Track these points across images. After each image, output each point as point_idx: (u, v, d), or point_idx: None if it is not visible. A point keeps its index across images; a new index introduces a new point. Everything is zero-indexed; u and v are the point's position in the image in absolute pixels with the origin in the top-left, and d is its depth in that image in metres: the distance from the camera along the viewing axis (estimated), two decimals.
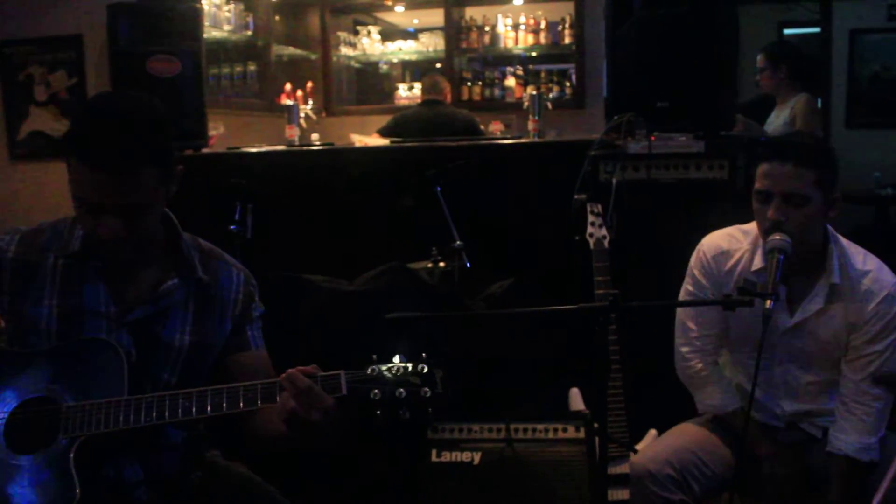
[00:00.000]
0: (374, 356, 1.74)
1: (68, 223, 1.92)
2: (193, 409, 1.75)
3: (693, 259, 2.53)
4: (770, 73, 5.04)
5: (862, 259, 2.37)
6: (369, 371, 1.72)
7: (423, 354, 1.74)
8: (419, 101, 5.88)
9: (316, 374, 1.72)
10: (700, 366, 2.52)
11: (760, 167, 2.29)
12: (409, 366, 1.72)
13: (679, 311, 2.58)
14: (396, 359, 1.73)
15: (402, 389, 1.70)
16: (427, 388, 1.70)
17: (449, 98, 5.79)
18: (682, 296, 2.56)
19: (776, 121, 5.04)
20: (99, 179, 1.72)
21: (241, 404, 1.74)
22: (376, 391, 1.70)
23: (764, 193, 2.28)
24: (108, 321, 1.86)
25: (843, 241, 2.40)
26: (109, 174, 1.72)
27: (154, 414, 1.75)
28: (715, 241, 2.50)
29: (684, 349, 2.55)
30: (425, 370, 1.72)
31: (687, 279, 2.54)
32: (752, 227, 2.45)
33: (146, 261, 1.91)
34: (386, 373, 1.72)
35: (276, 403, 1.72)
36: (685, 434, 2.50)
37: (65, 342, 1.84)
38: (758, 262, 2.39)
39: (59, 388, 1.80)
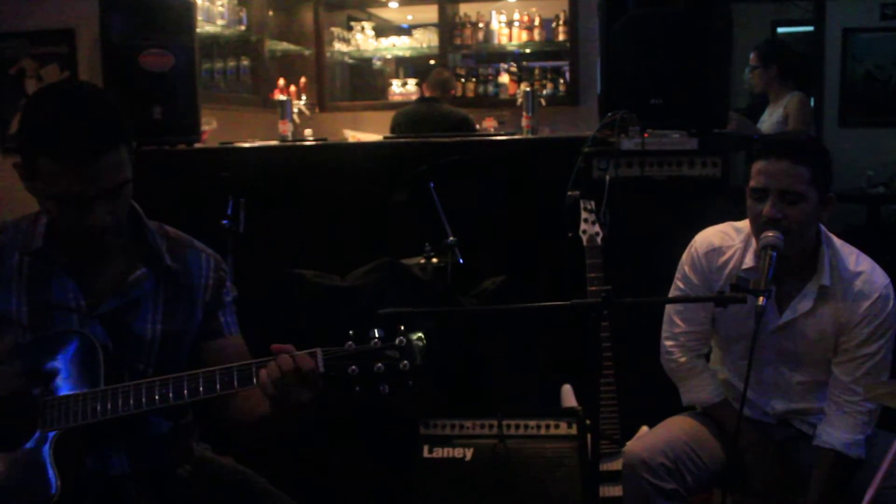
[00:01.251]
0: (351, 332, 1.71)
1: (30, 219, 1.90)
2: (171, 395, 1.74)
3: (685, 255, 2.53)
4: (761, 72, 5.06)
5: (854, 260, 2.36)
6: (346, 346, 1.70)
7: (401, 327, 1.72)
8: (414, 97, 5.86)
9: (292, 353, 1.71)
10: (684, 359, 2.52)
11: (756, 164, 2.28)
12: (387, 339, 1.70)
13: (668, 305, 2.58)
14: (374, 333, 1.70)
15: (380, 364, 1.67)
16: (406, 361, 1.67)
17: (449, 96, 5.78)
18: (672, 291, 2.57)
19: (769, 119, 5.05)
20: (81, 170, 1.69)
21: (218, 387, 1.73)
22: (354, 367, 1.67)
23: (759, 190, 2.27)
24: (80, 315, 1.85)
25: (836, 241, 2.40)
26: (91, 161, 1.69)
27: (131, 402, 1.73)
28: (708, 237, 2.50)
29: (668, 343, 2.56)
30: (404, 343, 1.69)
31: (678, 275, 2.55)
32: (744, 224, 2.44)
33: (113, 252, 1.89)
34: (363, 347, 1.69)
35: (253, 386, 1.71)
36: (679, 425, 2.50)
37: (39, 336, 1.83)
38: (748, 261, 2.39)
39: (35, 383, 1.78)
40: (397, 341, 1.69)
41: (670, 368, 2.57)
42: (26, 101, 1.81)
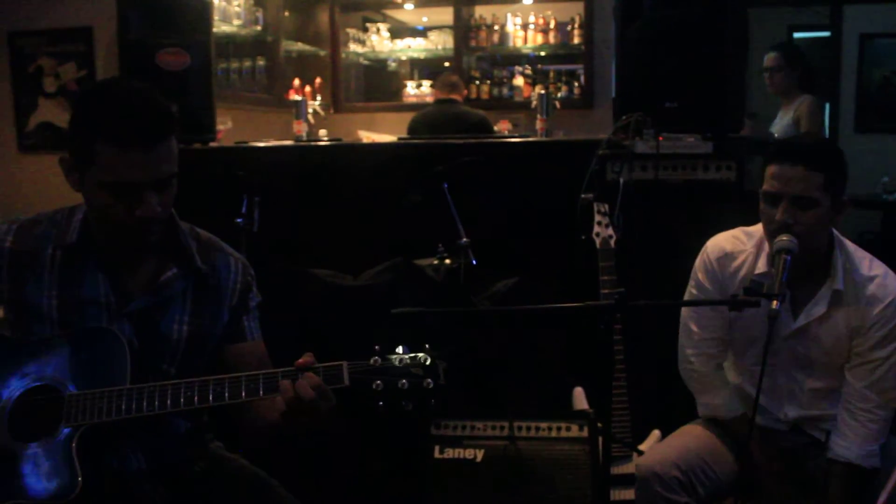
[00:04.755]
0: (377, 347, 1.73)
1: (65, 213, 1.92)
2: (196, 399, 1.75)
3: (697, 261, 2.52)
4: (787, 72, 5.00)
5: (868, 264, 2.35)
6: (372, 362, 1.72)
7: (427, 345, 1.74)
8: (428, 99, 5.88)
9: (316, 365, 1.73)
10: (704, 369, 2.51)
11: (769, 168, 2.27)
12: (412, 356, 1.72)
13: (683, 312, 2.56)
14: (399, 349, 1.73)
15: (404, 380, 1.69)
16: (430, 380, 1.70)
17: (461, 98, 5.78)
18: (686, 295, 2.55)
19: (780, 122, 5.03)
20: (139, 157, 1.72)
21: (244, 394, 1.75)
22: (379, 382, 1.70)
23: (772, 195, 2.26)
24: (109, 312, 1.86)
25: (850, 245, 2.39)
26: (150, 147, 1.73)
27: (156, 403, 1.75)
28: (719, 243, 2.49)
29: (689, 351, 2.54)
30: (428, 361, 1.71)
31: (691, 281, 2.53)
32: (756, 229, 2.44)
33: (145, 251, 1.90)
34: (388, 363, 1.71)
35: (277, 394, 1.72)
36: (691, 437, 2.48)
37: (68, 331, 1.84)
38: (761, 266, 2.38)
39: (62, 377, 1.80)
40: (422, 359, 1.71)
41: (689, 377, 2.55)
42: (77, 97, 1.84)
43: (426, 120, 5.45)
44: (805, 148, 2.28)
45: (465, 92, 5.86)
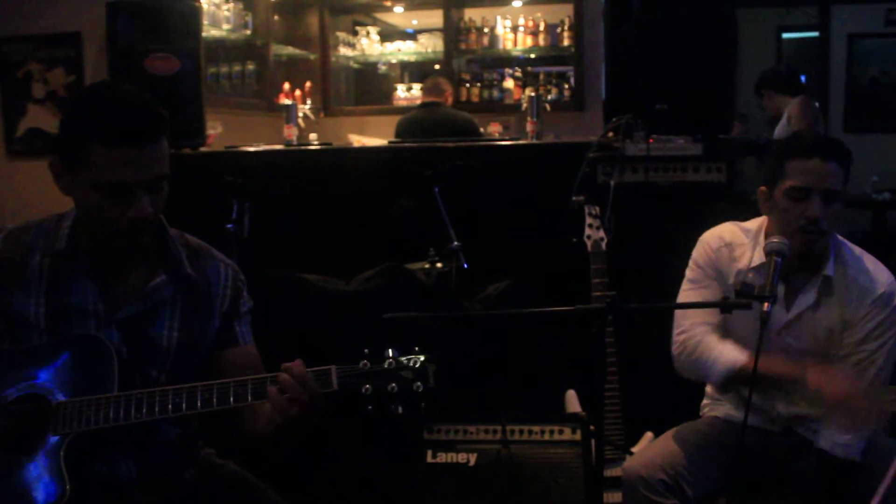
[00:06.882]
0: (366, 350, 1.73)
1: (54, 220, 1.91)
2: (184, 406, 1.74)
3: (696, 252, 2.50)
4: (769, 97, 5.15)
5: (860, 256, 2.39)
6: (361, 365, 1.71)
7: (416, 348, 1.73)
8: (418, 102, 5.87)
9: (296, 373, 1.72)
10: (697, 338, 2.38)
11: (794, 163, 2.28)
12: (401, 360, 1.71)
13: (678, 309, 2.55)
14: (389, 353, 1.72)
15: (393, 384, 1.68)
16: (419, 383, 1.69)
17: (450, 100, 5.78)
18: (683, 288, 2.50)
19: (778, 128, 5.09)
20: (131, 156, 1.72)
21: (232, 400, 1.74)
22: (368, 386, 1.69)
23: (802, 190, 2.27)
24: (97, 319, 1.85)
25: (840, 238, 2.42)
26: (142, 146, 1.73)
27: (144, 410, 1.74)
28: (717, 232, 2.50)
29: (681, 337, 2.44)
30: (417, 364, 1.70)
31: (688, 273, 2.50)
32: (750, 224, 2.46)
33: (134, 258, 1.90)
34: (377, 367, 1.71)
35: (266, 399, 1.72)
36: (678, 438, 2.47)
37: (55, 339, 1.83)
38: (758, 258, 2.38)
39: (49, 385, 1.79)
40: (411, 362, 1.71)
41: (686, 356, 2.41)
42: (68, 100, 1.84)
43: (411, 123, 5.44)
44: (833, 143, 2.32)
45: (449, 92, 5.84)
